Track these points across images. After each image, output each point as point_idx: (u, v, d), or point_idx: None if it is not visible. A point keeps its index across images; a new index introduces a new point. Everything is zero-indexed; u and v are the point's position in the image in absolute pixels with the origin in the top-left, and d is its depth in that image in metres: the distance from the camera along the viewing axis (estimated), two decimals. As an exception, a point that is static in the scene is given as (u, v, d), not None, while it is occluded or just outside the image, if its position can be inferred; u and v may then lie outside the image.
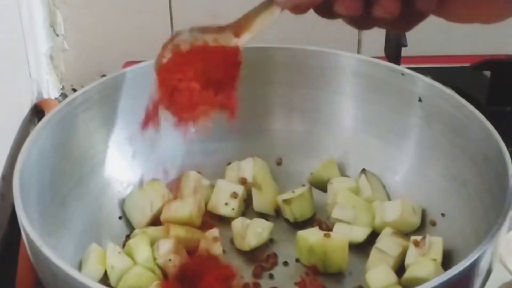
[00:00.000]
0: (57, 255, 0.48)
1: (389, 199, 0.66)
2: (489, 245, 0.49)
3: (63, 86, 0.95)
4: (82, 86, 0.93)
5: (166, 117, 0.69)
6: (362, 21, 0.45)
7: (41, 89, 0.86)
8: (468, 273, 0.48)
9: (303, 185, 0.68)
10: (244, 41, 0.49)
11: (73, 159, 0.62)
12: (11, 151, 0.71)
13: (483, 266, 0.50)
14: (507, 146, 0.57)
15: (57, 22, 0.90)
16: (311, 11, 0.88)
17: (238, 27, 0.49)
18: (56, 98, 0.92)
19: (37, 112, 0.81)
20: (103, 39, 0.92)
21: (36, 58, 0.85)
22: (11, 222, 0.69)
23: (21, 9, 0.80)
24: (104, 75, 0.93)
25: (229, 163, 0.70)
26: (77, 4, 0.90)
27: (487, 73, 0.81)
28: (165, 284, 0.56)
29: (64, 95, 0.95)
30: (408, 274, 0.58)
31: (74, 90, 0.95)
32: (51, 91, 0.91)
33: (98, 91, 0.65)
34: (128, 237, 0.63)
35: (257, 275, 0.61)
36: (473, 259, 0.48)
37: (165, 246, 0.59)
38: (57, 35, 0.91)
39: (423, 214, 0.64)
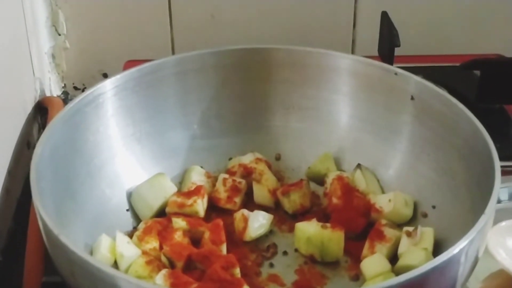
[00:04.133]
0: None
1: (383, 192, 0.68)
2: (476, 234, 0.51)
3: (64, 84, 0.96)
4: (83, 84, 0.96)
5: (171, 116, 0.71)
6: None
7: (44, 87, 0.87)
8: (456, 260, 0.50)
9: (301, 179, 0.70)
10: None
11: (83, 154, 0.64)
12: (16, 147, 0.73)
13: (470, 254, 0.52)
14: (495, 142, 0.58)
15: (59, 21, 0.92)
16: (307, 10, 0.90)
17: None
18: (58, 96, 0.93)
19: (40, 109, 0.82)
20: (104, 38, 0.94)
21: (39, 57, 0.87)
22: (16, 217, 0.70)
23: (24, 9, 0.81)
24: (105, 74, 0.95)
25: (231, 158, 0.72)
26: (78, 4, 0.92)
27: (477, 72, 0.82)
28: (172, 272, 0.57)
29: (65, 93, 0.96)
30: (400, 262, 0.61)
31: (76, 88, 0.97)
32: (53, 89, 0.93)
33: (106, 90, 0.66)
34: (135, 228, 0.65)
35: (258, 264, 0.63)
36: (461, 246, 0.50)
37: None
38: (59, 34, 0.93)
39: (415, 206, 0.66)
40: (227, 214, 0.67)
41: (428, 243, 0.61)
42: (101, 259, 0.59)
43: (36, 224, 0.57)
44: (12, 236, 0.69)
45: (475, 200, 0.58)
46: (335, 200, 0.67)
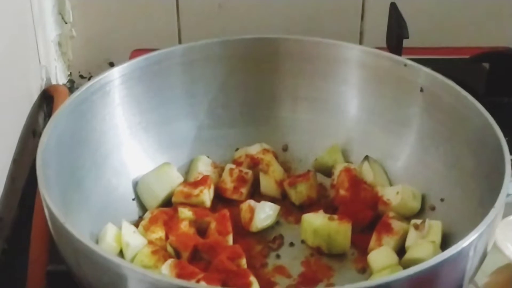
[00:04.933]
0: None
1: (391, 184, 0.68)
2: (485, 227, 0.51)
3: (70, 73, 0.96)
4: (89, 73, 0.96)
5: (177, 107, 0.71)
6: None
7: (50, 75, 0.87)
8: (465, 254, 0.50)
9: (308, 170, 0.70)
10: None
11: (89, 143, 0.64)
12: (21, 135, 0.73)
13: (479, 248, 0.51)
14: (504, 135, 0.58)
15: (65, 9, 0.92)
16: (316, 1, 0.90)
17: None
18: (64, 84, 0.93)
19: (46, 97, 0.82)
20: (111, 27, 0.94)
21: (45, 45, 0.86)
22: (21, 205, 0.70)
23: (31, -3, 0.81)
24: (111, 62, 0.95)
25: (237, 149, 0.72)
26: (85, -7, 0.92)
27: (486, 65, 0.82)
28: (177, 263, 0.57)
29: (71, 81, 0.96)
30: (408, 255, 0.60)
31: (82, 76, 0.97)
32: (59, 77, 0.92)
33: (113, 78, 0.66)
34: (141, 218, 0.65)
35: (264, 255, 0.63)
36: (470, 240, 0.50)
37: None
38: (66, 23, 0.92)
39: (423, 199, 0.66)
40: (233, 204, 0.67)
41: (436, 236, 0.61)
42: (106, 248, 0.59)
43: (41, 213, 0.57)
44: (17, 224, 0.69)
45: (484, 194, 0.58)
46: (342, 192, 0.67)
